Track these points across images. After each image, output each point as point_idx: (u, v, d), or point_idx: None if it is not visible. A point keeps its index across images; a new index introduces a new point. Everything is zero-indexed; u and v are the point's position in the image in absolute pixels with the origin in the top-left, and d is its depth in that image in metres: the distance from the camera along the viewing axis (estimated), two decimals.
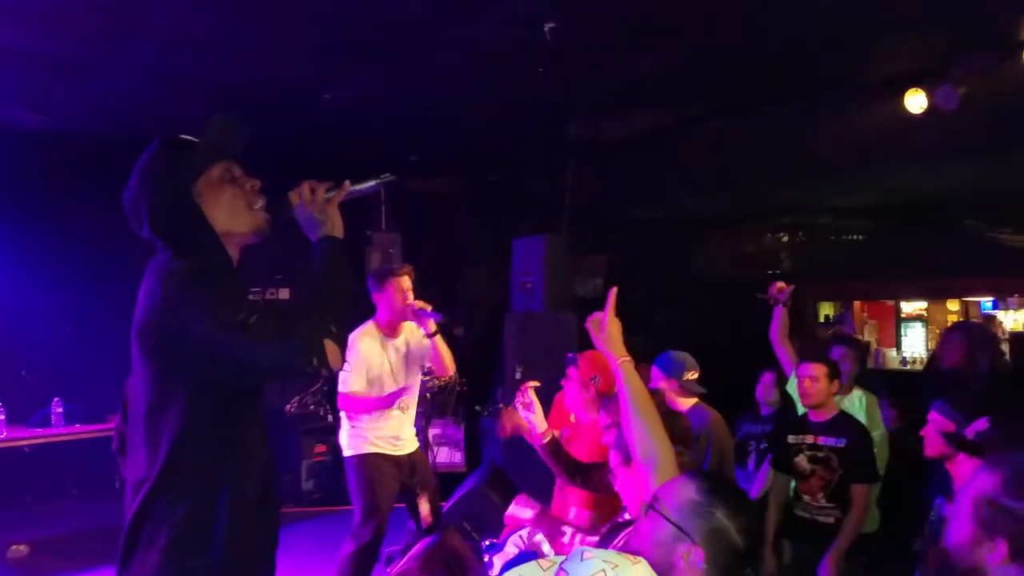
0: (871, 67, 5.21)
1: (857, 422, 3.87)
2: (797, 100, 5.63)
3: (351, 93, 5.41)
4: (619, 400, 2.24)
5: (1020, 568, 1.44)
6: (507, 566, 3.50)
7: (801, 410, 4.24)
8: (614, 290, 2.31)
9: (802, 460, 3.76)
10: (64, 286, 6.55)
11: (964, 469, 2.80)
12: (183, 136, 1.93)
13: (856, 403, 4.37)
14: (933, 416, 3.22)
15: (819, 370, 3.78)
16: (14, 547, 5.70)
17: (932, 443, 3.00)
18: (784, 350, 4.37)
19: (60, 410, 6.10)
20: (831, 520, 3.66)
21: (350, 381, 4.41)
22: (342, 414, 4.58)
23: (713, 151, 6.52)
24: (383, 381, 4.46)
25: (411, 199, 7.54)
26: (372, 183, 2.01)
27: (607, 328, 2.27)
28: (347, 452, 4.57)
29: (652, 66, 4.98)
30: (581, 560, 1.42)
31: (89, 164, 6.06)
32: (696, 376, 3.87)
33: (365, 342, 4.44)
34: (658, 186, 7.34)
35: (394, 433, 4.54)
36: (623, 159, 7.08)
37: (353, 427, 4.53)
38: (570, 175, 7.17)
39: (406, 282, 4.46)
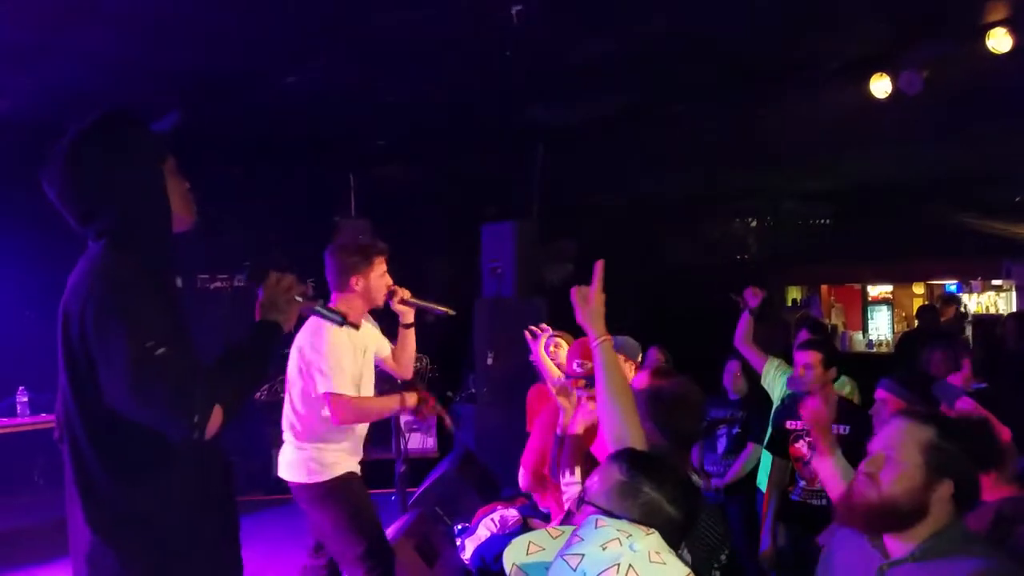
0: (836, 52, 5.27)
1: (859, 409, 3.89)
2: (762, 85, 5.68)
3: (313, 78, 5.32)
4: (595, 380, 2.19)
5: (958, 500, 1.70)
6: (479, 549, 3.53)
7: (775, 403, 4.32)
8: (600, 263, 2.22)
9: (803, 446, 3.76)
10: (26, 272, 6.40)
11: None
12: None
13: (848, 389, 4.42)
14: (883, 395, 3.26)
15: (814, 357, 3.77)
16: None
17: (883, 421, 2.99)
18: (750, 351, 4.47)
19: (25, 399, 6.01)
20: (822, 503, 3.69)
21: (339, 381, 3.24)
22: (289, 434, 3.46)
23: (679, 136, 6.55)
24: (357, 386, 3.45)
25: (378, 184, 7.47)
26: (339, 318, 2.29)
27: (593, 302, 2.21)
28: (317, 477, 3.39)
29: (617, 49, 4.98)
30: (595, 528, 1.41)
31: (47, 150, 5.91)
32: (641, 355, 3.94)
33: (339, 336, 3.28)
34: (624, 171, 7.38)
35: (359, 447, 3.57)
36: (589, 144, 7.08)
37: (317, 447, 3.40)
38: (538, 161, 7.16)
39: (384, 264, 3.56)
